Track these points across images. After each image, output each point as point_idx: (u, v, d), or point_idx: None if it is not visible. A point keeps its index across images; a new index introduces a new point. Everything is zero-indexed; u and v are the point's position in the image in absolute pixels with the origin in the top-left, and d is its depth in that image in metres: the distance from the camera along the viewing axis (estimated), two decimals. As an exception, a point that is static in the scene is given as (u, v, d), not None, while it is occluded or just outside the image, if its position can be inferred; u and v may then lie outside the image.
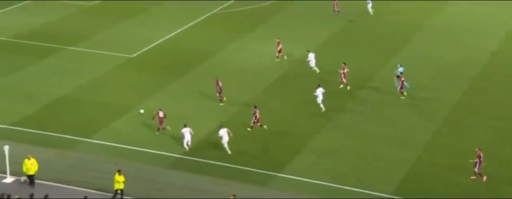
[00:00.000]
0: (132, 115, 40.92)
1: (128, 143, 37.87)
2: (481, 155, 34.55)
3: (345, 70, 44.27)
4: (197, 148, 37.44)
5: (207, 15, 57.59)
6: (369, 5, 58.02)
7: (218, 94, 42.22)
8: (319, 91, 41.23)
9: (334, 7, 58.46)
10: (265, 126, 39.06)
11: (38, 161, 33.93)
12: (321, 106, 41.31)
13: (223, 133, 36.68)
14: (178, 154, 36.95)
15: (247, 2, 60.42)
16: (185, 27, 54.77)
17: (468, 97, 43.79)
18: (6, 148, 33.77)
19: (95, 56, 49.02)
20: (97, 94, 43.36)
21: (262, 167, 35.69)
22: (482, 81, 46.06)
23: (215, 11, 58.51)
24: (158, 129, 38.55)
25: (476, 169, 34.58)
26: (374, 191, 33.78)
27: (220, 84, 42.18)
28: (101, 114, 41.04)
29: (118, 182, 32.51)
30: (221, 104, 42.01)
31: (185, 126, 37.11)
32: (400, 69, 44.68)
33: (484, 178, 34.62)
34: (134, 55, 49.32)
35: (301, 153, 37.13)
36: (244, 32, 53.53)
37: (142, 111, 40.75)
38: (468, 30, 55.31)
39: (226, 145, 36.70)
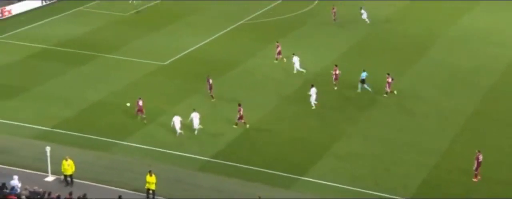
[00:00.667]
0: (164, 119, 41.35)
1: (160, 145, 38.39)
2: (480, 157, 34.61)
3: (337, 72, 44.93)
4: (226, 151, 37.88)
5: (235, 25, 57.93)
6: (364, 15, 57.75)
7: (209, 91, 43.54)
8: (313, 91, 42.35)
9: (333, 16, 58.47)
10: (247, 125, 39.98)
11: (76, 162, 34.59)
12: (313, 103, 42.31)
13: (195, 116, 38.71)
14: (207, 157, 37.39)
15: (274, 13, 60.69)
16: (214, 36, 55.22)
17: (485, 105, 43.61)
18: (48, 149, 34.55)
19: (130, 64, 49.68)
20: (131, 100, 43.80)
21: (286, 170, 36.01)
22: (499, 90, 45.84)
23: (243, 21, 58.86)
24: (138, 116, 40.56)
25: (475, 170, 34.75)
26: (392, 195, 33.91)
27: (210, 82, 43.48)
28: (134, 117, 41.54)
29: (149, 182, 32.98)
30: (212, 100, 43.36)
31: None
32: (364, 74, 44.77)
33: (477, 178, 34.68)
34: (166, 63, 49.86)
35: (323, 157, 37.35)
36: (271, 41, 53.78)
37: (128, 104, 41.60)
38: (485, 40, 55.10)
39: (196, 127, 38.61)
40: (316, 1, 63.98)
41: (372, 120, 41.76)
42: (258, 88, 45.76)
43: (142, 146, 38.42)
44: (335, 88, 45.23)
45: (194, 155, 37.64)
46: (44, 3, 63.36)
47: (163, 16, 60.21)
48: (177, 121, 38.83)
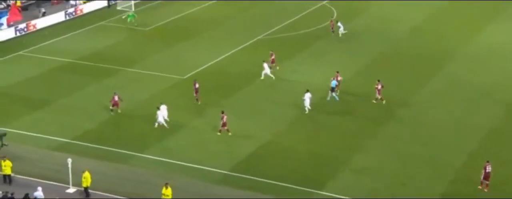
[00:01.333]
0: (183, 132, 40.83)
1: (178, 158, 37.77)
2: (487, 167, 34.35)
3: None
4: (243, 164, 37.19)
5: (253, 40, 57.44)
6: (341, 29, 57.57)
7: (194, 95, 44.46)
8: (307, 96, 43.01)
9: (331, 28, 58.30)
10: (230, 133, 39.92)
11: (94, 173, 34.03)
12: (306, 108, 42.74)
13: (163, 108, 40.54)
14: (225, 170, 36.68)
15: (291, 28, 60.18)
16: (232, 51, 54.74)
17: (503, 121, 42.63)
18: (69, 161, 34.00)
19: (149, 77, 49.26)
20: (151, 113, 43.39)
21: (303, 184, 35.24)
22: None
23: (260, 36, 58.41)
24: (111, 110, 42.51)
25: (482, 179, 34.53)
26: (410, 209, 33.12)
27: (197, 86, 44.51)
28: (154, 130, 41.05)
29: (165, 195, 32.29)
30: (199, 103, 44.28)
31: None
32: (334, 82, 45.29)
33: (483, 186, 34.44)
34: (185, 77, 49.42)
35: (340, 171, 36.55)
36: (287, 56, 53.32)
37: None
38: (502, 56, 54.08)
39: (162, 120, 40.33)
40: (334, 17, 63.47)
41: (389, 133, 40.98)
42: (275, 102, 45.21)
43: (161, 159, 37.83)
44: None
45: (212, 168, 36.93)
46: (67, 18, 63.25)
47: (182, 31, 59.94)
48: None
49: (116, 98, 42.73)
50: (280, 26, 61.22)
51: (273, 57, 50.44)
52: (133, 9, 65.63)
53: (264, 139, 39.95)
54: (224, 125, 40.05)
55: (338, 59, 53.10)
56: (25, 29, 59.62)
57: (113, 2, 67.58)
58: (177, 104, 44.79)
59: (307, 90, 43.42)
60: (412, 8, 66.99)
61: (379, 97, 44.59)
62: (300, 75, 49.65)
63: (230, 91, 46.86)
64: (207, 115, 43.27)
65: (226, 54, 54.12)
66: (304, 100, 43.14)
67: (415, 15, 64.78)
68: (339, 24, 58.07)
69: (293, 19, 63.28)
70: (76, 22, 62.35)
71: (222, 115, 40.24)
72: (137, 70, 50.63)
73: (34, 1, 65.13)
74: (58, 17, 62.62)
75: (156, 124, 40.93)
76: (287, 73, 50.19)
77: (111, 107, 42.86)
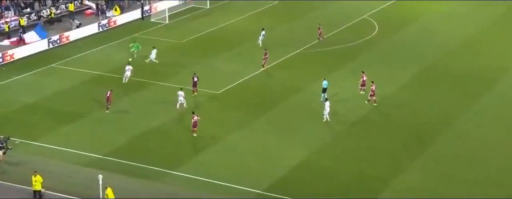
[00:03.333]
0: (217, 149, 41.02)
1: (211, 176, 37.91)
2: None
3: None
4: (279, 184, 37.19)
5: (291, 54, 57.45)
6: (261, 36, 58.39)
7: (192, 88, 48.18)
8: (327, 105, 43.88)
9: (319, 36, 59.36)
10: (195, 134, 41.94)
11: (121, 190, 34.35)
12: (325, 117, 43.85)
13: (180, 94, 45.40)
14: (260, 190, 36.69)
15: (332, 42, 60.16)
16: (269, 66, 54.77)
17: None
18: (100, 177, 34.41)
19: (184, 92, 49.42)
20: (184, 128, 43.76)
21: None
22: None
23: (299, 50, 58.43)
24: (107, 108, 45.24)
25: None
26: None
27: (195, 79, 48.30)
28: (187, 147, 41.32)
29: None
30: (193, 94, 48.10)
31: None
32: (325, 82, 47.39)
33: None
34: (220, 91, 49.69)
35: (382, 193, 36.30)
36: (328, 71, 53.27)
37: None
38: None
39: (183, 102, 45.39)
40: (376, 31, 63.28)
41: (433, 153, 40.60)
42: (312, 118, 45.08)
43: (193, 177, 38.02)
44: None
45: (247, 187, 36.99)
46: (100, 30, 64.27)
47: (218, 44, 60.38)
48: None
49: (108, 94, 45.18)
50: (318, 40, 61.06)
51: (266, 56, 53.17)
52: (167, 21, 66.35)
53: (301, 157, 39.91)
54: (194, 125, 41.94)
55: (381, 73, 52.77)
56: (58, 41, 60.77)
57: (147, 14, 68.46)
58: (211, 119, 45.06)
59: (326, 99, 44.04)
60: (463, 20, 66.52)
61: (374, 98, 46.27)
62: (340, 90, 49.50)
63: (267, 106, 46.96)
64: (241, 131, 43.41)
65: (263, 69, 54.07)
66: (324, 108, 43.70)
67: (466, 27, 64.27)
68: (262, 32, 58.62)
69: (334, 32, 63.30)
70: (109, 34, 63.20)
71: (193, 115, 42.22)
72: (170, 84, 50.97)
73: (67, 13, 66.36)
74: (91, 29, 63.54)
75: (178, 105, 45.55)
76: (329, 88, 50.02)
77: (107, 106, 45.20)
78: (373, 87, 46.60)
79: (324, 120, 44.07)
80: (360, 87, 48.44)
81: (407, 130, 43.50)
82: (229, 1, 73.28)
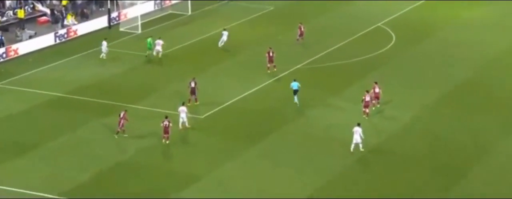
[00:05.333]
0: (201, 186, 41.02)
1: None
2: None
3: (377, 90, 49.72)
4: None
5: (289, 71, 57.65)
6: (224, 37, 61.89)
7: (190, 96, 50.34)
8: (356, 131, 44.26)
9: (298, 36, 62.60)
10: (167, 141, 44.97)
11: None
12: (353, 145, 44.48)
13: (182, 110, 46.75)
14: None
15: (337, 56, 60.72)
16: (263, 84, 55.07)
17: None
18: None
19: (161, 116, 49.11)
20: (161, 160, 43.87)
21: None
22: None
23: (299, 66, 58.81)
24: (117, 132, 46.21)
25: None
26: None
27: (193, 85, 50.18)
28: (164, 183, 41.35)
29: None
30: (195, 103, 50.25)
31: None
32: (295, 84, 50.83)
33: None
34: (203, 116, 49.83)
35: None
36: (335, 90, 53.73)
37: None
38: None
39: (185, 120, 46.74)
40: (392, 41, 63.94)
41: (463, 192, 40.77)
42: (317, 148, 45.29)
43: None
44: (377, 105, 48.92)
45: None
46: (57, 41, 64.28)
47: (202, 58, 60.70)
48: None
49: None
50: (325, 52, 61.73)
51: (271, 55, 56.19)
52: (139, 30, 66.74)
53: (305, 195, 40.01)
54: (166, 131, 45.20)
55: (400, 94, 53.10)
56: (4, 55, 60.45)
57: (115, 22, 68.77)
58: (194, 149, 45.14)
59: (358, 124, 44.48)
60: (498, 29, 67.14)
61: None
62: (348, 114, 49.70)
63: (259, 134, 47.12)
64: (229, 165, 43.43)
65: (255, 88, 54.43)
66: (353, 133, 44.11)
67: (503, 37, 64.90)
68: (223, 32, 61.91)
69: (341, 44, 63.87)
70: (69, 47, 63.45)
71: (164, 119, 45.18)
72: (144, 108, 51.11)
73: (16, 21, 66.27)
74: (46, 40, 63.62)
75: (180, 125, 46.88)
76: (332, 111, 50.47)
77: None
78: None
79: (352, 150, 44.38)
80: (372, 101, 49.56)
81: (431, 162, 43.64)
82: (216, 6, 73.93)
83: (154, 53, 59.56)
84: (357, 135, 44.12)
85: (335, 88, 54.11)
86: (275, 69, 56.74)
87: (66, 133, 47.24)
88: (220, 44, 61.97)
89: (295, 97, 50.72)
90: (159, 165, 43.25)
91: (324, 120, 49.17)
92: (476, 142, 46.03)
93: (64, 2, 69.31)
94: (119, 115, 46.21)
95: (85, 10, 69.73)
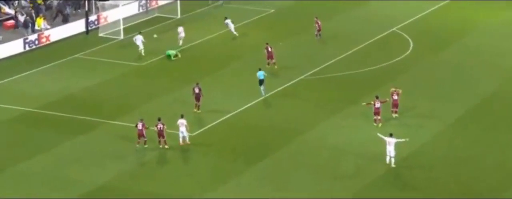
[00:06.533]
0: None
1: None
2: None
3: (396, 97, 51.27)
4: None
5: (292, 82, 57.86)
6: (230, 25, 66.69)
7: (196, 102, 52.01)
8: (390, 141, 45.16)
9: (317, 31, 65.48)
10: (166, 146, 46.57)
11: None
12: (390, 161, 45.14)
13: (181, 123, 47.20)
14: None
15: (346, 66, 60.79)
16: (262, 98, 55.21)
17: None
18: None
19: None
20: (146, 184, 43.93)
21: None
22: None
23: (302, 76, 58.94)
24: (138, 143, 47.61)
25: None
26: None
27: (197, 91, 52.11)
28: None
29: None
30: (198, 111, 52.25)
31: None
32: (261, 73, 54.46)
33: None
34: (194, 134, 49.69)
35: None
36: (342, 103, 53.84)
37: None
38: None
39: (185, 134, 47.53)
40: (410, 48, 64.42)
41: None
42: (329, 167, 45.49)
43: None
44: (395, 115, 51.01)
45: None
46: (27, 48, 64.27)
47: (193, 67, 60.84)
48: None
49: (140, 126, 46.80)
50: (333, 61, 61.93)
51: (270, 50, 59.24)
52: (122, 36, 66.75)
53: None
54: (161, 134, 46.92)
55: (419, 107, 53.13)
56: (-36, 64, 60.26)
57: (93, 27, 68.85)
58: (183, 171, 45.29)
59: (391, 135, 45.02)
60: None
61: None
62: (359, 133, 49.91)
63: (258, 154, 47.19)
64: (225, 189, 43.57)
65: (253, 102, 54.54)
66: (388, 143, 44.92)
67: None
68: (227, 21, 65.96)
69: (352, 51, 64.11)
70: (41, 55, 63.67)
71: (158, 122, 46.72)
72: (125, 124, 50.93)
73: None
74: (13, 47, 63.63)
75: (181, 139, 47.74)
76: (340, 129, 50.62)
77: (138, 139, 47.06)
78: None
79: (388, 162, 45.28)
80: (392, 108, 51.22)
81: (454, 188, 43.66)
82: (208, 9, 74.17)
83: (141, 52, 62.85)
84: (392, 146, 44.70)
85: (345, 101, 54.11)
86: (276, 67, 59.01)
87: (38, 153, 47.18)
88: (235, 32, 66.63)
89: (261, 87, 53.98)
90: (143, 190, 43.24)
91: (334, 138, 49.26)
92: (505, 166, 45.79)
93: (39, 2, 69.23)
94: (137, 126, 47.27)
95: (66, 12, 69.38)
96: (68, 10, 70.93)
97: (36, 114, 53.17)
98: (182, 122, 47.70)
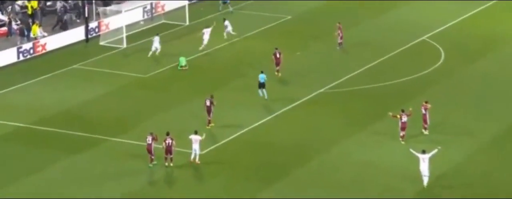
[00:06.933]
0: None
1: None
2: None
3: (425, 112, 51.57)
4: None
5: (310, 96, 57.90)
6: (228, 29, 67.83)
7: (207, 115, 52.64)
8: (424, 158, 45.29)
9: (340, 39, 65.95)
10: (171, 164, 46.76)
11: None
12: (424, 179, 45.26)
13: (195, 140, 47.76)
14: None
15: (369, 78, 60.89)
16: (278, 113, 55.26)
17: None
18: None
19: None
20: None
21: None
22: None
23: (322, 90, 58.98)
24: (151, 160, 47.93)
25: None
26: None
27: (208, 103, 52.51)
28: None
29: None
30: (209, 126, 52.52)
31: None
32: (262, 76, 55.95)
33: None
34: (204, 152, 49.55)
35: None
36: (366, 119, 53.79)
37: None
38: None
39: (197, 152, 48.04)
40: (442, 59, 64.01)
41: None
42: (350, 190, 45.24)
43: None
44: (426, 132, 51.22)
45: None
46: (21, 58, 64.43)
47: (202, 80, 61.07)
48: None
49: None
50: (356, 72, 61.89)
51: (278, 55, 60.23)
52: (124, 44, 67.31)
53: None
54: (169, 151, 47.26)
55: (453, 124, 52.94)
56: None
57: (94, 34, 69.21)
58: (187, 193, 45.14)
59: (424, 152, 45.05)
60: None
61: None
62: (387, 151, 49.70)
63: (276, 173, 47.19)
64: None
65: (269, 117, 54.64)
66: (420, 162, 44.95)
67: None
68: (226, 23, 67.56)
69: (376, 62, 64.16)
70: (36, 65, 63.71)
71: (166, 137, 47.01)
72: (127, 141, 51.18)
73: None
74: (6, 56, 63.78)
75: (193, 156, 48.07)
76: (367, 147, 50.34)
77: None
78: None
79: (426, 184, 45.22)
80: (423, 124, 51.45)
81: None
82: (219, 15, 74.44)
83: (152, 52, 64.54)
84: (426, 164, 44.61)
85: (369, 117, 54.21)
86: (279, 74, 60.29)
87: (31, 174, 47.16)
88: (230, 33, 68.00)
89: (262, 91, 55.67)
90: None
91: (358, 156, 49.23)
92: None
93: (34, 3, 69.49)
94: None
95: (65, 19, 69.75)
96: (67, 16, 71.10)
97: (29, 129, 53.35)
98: (196, 138, 47.93)
